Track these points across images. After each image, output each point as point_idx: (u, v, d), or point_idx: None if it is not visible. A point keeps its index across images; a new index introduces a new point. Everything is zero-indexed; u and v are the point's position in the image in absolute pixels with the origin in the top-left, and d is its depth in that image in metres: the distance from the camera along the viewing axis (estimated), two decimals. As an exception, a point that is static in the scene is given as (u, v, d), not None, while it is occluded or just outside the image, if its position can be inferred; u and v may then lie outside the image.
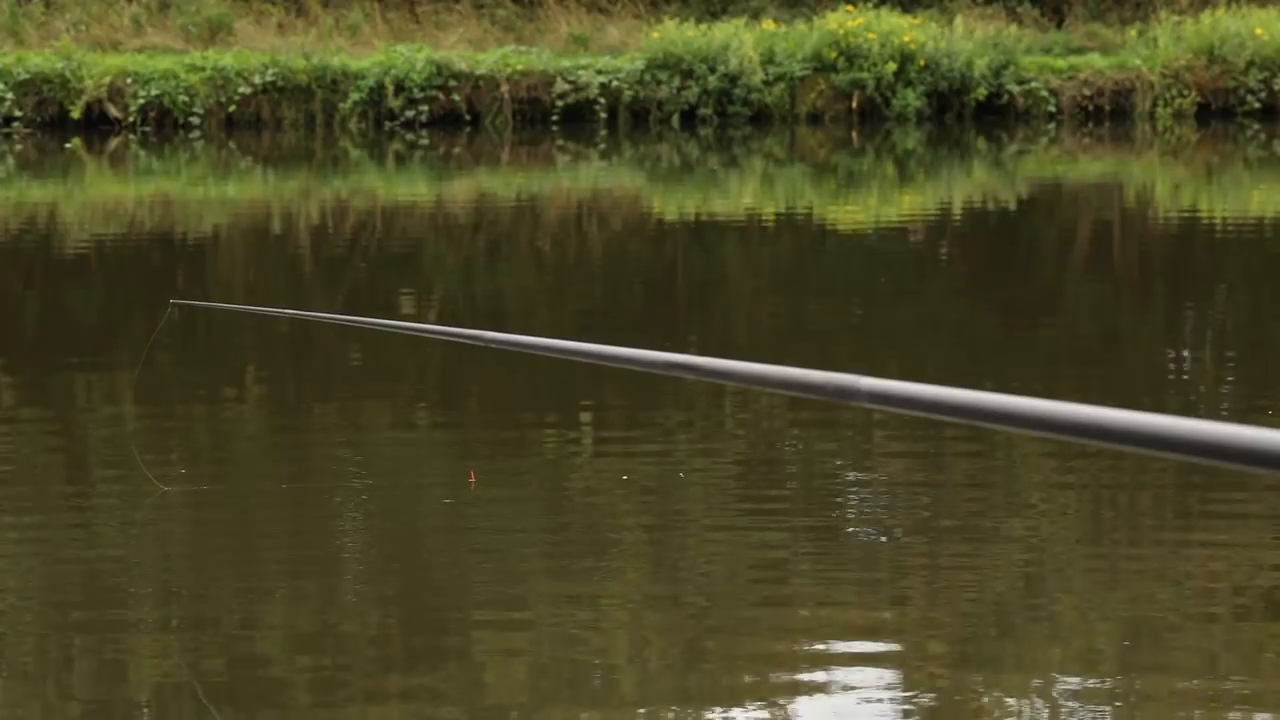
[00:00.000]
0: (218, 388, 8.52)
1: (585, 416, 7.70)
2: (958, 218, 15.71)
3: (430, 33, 24.45)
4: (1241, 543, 5.81)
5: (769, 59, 22.99)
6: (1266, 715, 4.39)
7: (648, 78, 22.78)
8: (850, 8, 23.94)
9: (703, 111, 22.73)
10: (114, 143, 21.51)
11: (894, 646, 4.87)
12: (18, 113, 22.08)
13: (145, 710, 4.51)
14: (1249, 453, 1.13)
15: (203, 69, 22.31)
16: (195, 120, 22.10)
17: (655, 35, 23.06)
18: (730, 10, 25.26)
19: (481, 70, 22.61)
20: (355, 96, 22.35)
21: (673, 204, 16.85)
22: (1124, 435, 1.20)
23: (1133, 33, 24.72)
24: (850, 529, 6.03)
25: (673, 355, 1.78)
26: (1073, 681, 4.59)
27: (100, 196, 17.72)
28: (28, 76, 22.11)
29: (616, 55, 23.60)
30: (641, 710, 4.50)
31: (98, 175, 19.67)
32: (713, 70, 22.68)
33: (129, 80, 22.10)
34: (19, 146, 21.29)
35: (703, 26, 23.25)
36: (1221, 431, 1.13)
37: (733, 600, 5.26)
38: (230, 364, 9.05)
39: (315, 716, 4.50)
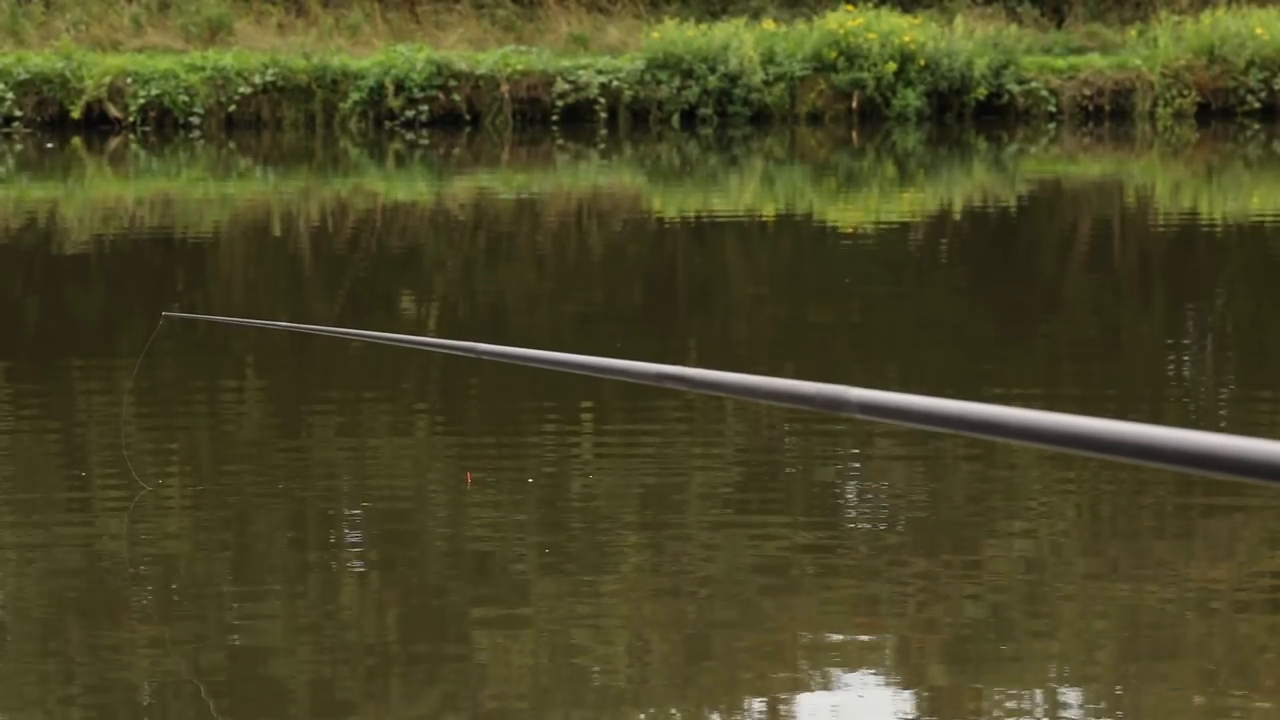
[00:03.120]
0: (216, 388, 8.52)
1: (584, 415, 7.70)
2: (958, 218, 15.71)
3: (430, 32, 24.45)
4: (1242, 542, 5.81)
5: (769, 59, 22.99)
6: (1265, 716, 4.39)
7: (648, 78, 22.78)
8: (850, 8, 23.94)
9: (703, 111, 22.74)
10: (114, 143, 21.52)
11: (893, 647, 4.87)
12: (18, 113, 22.08)
13: (144, 711, 4.51)
14: (1240, 463, 1.13)
15: (203, 69, 22.32)
16: (195, 120, 22.10)
17: (655, 35, 23.06)
18: (730, 10, 25.26)
19: (481, 70, 22.61)
20: (355, 96, 22.35)
21: (673, 204, 16.85)
22: (1114, 446, 1.20)
23: (1133, 33, 24.72)
24: (846, 528, 6.03)
25: (663, 367, 1.78)
26: (1072, 683, 4.60)
27: (100, 196, 17.72)
28: (28, 76, 22.11)
29: (616, 55, 23.60)
30: (641, 711, 4.50)
31: (98, 175, 19.67)
32: (713, 70, 22.68)
33: (129, 80, 22.10)
34: (19, 146, 21.29)
35: (703, 26, 23.25)
36: (1212, 442, 1.13)
37: (732, 601, 5.26)
38: (228, 364, 9.05)
39: (315, 717, 4.51)
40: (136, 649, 4.90)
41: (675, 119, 22.69)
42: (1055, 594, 5.33)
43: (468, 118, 22.62)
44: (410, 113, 22.35)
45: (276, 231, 15.21)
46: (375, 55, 22.87)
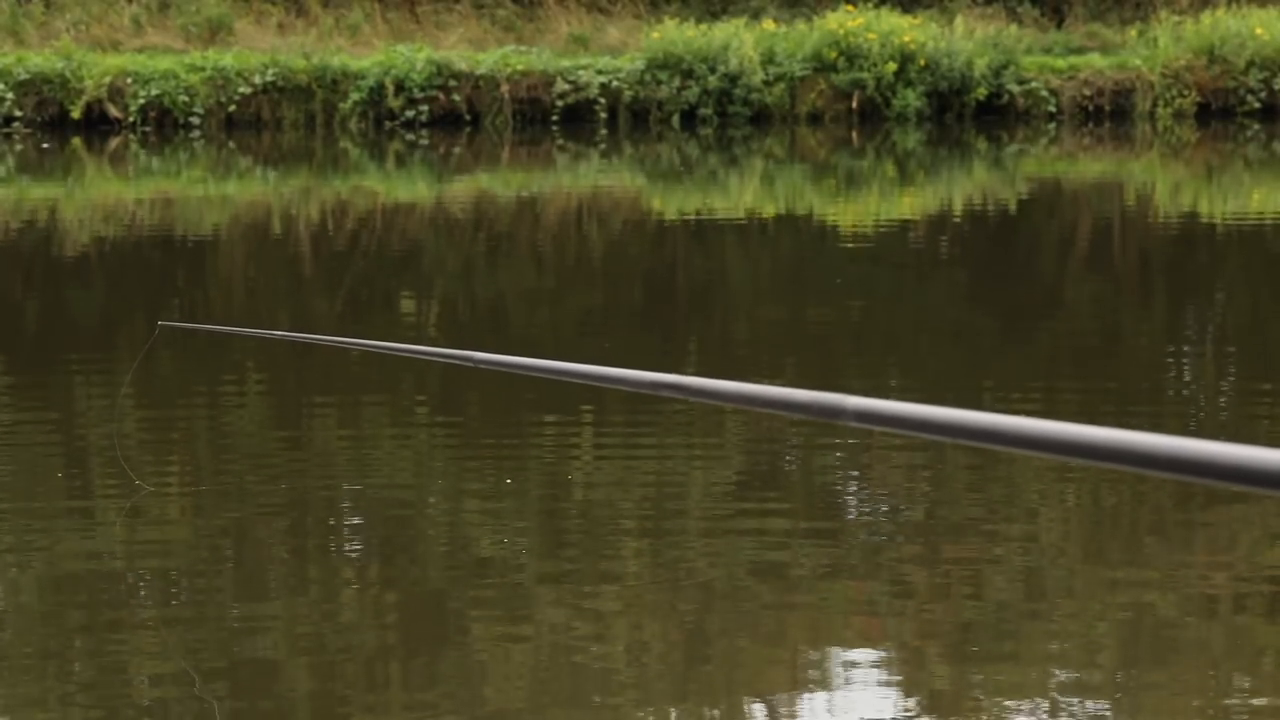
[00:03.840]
0: (215, 387, 8.52)
1: (585, 415, 7.70)
2: (958, 218, 15.71)
3: (430, 33, 24.44)
4: (1242, 544, 5.81)
5: (769, 59, 22.99)
6: (1265, 715, 4.39)
7: (648, 78, 22.78)
8: (850, 8, 23.94)
9: (703, 111, 22.73)
10: (114, 143, 21.51)
11: (893, 648, 4.87)
12: (18, 113, 22.08)
13: (144, 710, 4.51)
14: (1241, 471, 1.13)
15: (203, 69, 22.32)
16: (195, 120, 22.10)
17: (655, 35, 23.06)
18: (730, 10, 25.26)
19: (481, 70, 22.61)
20: (355, 96, 22.35)
21: (673, 204, 16.85)
22: (1112, 454, 1.20)
23: (1133, 33, 24.72)
24: (846, 527, 6.03)
25: (660, 375, 1.78)
26: (1073, 682, 4.60)
27: (100, 196, 17.72)
28: (28, 76, 22.10)
29: (616, 55, 23.60)
30: (641, 711, 4.50)
31: (98, 175, 19.67)
32: (713, 70, 22.68)
33: (129, 80, 22.10)
34: (19, 146, 21.29)
35: (703, 26, 23.25)
36: (1211, 451, 1.13)
37: (732, 601, 5.26)
38: (228, 363, 9.05)
39: (314, 716, 4.51)
40: (135, 648, 4.90)
41: (675, 119, 22.69)
42: (1055, 592, 5.33)
43: (468, 118, 22.62)
44: (410, 113, 22.35)
45: (277, 231, 15.21)
46: (375, 55, 22.87)
